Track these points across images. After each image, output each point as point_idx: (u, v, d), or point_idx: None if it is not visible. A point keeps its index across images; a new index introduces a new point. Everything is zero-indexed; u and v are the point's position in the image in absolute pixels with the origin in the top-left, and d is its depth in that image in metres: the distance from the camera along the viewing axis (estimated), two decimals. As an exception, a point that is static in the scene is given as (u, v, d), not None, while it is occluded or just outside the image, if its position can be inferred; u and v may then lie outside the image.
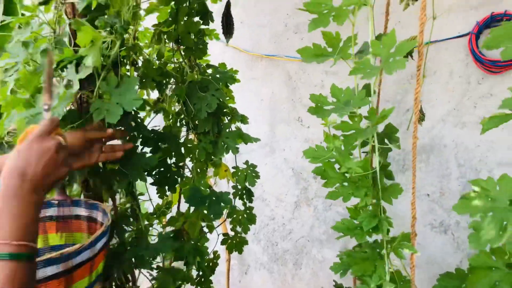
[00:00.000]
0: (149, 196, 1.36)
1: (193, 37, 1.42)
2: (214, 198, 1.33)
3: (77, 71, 1.03)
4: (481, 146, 1.66)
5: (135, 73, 1.36)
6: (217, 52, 2.27)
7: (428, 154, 1.78)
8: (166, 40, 1.41)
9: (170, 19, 1.36)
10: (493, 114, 0.82)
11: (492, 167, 1.64)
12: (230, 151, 1.37)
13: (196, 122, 1.38)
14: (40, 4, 1.17)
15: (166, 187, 1.30)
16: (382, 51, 0.93)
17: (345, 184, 0.98)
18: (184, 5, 1.36)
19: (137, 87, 1.30)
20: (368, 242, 1.05)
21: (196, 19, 1.41)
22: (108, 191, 1.21)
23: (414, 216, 1.01)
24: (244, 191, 1.51)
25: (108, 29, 1.04)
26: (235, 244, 1.57)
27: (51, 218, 1.18)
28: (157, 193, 1.35)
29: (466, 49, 1.64)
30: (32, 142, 0.76)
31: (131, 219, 1.27)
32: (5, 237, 0.65)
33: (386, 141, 1.07)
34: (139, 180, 1.10)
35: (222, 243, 1.57)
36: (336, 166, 1.02)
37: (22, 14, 1.59)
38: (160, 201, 1.52)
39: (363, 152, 1.03)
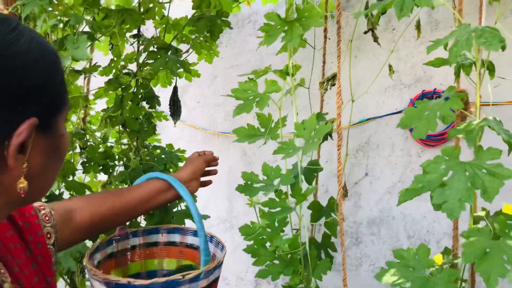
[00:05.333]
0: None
1: (140, 120, 1.46)
2: None
3: None
4: (427, 217, 1.70)
5: (80, 159, 1.38)
6: (175, 130, 2.33)
7: (379, 227, 1.80)
8: (114, 124, 1.46)
9: (116, 104, 1.41)
10: (408, 187, 0.86)
11: (440, 237, 1.67)
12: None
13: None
14: None
15: None
16: (304, 133, 0.99)
17: (275, 262, 0.99)
18: (130, 91, 1.42)
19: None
20: None
21: (143, 103, 1.47)
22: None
23: (346, 292, 1.02)
24: None
25: None
26: None
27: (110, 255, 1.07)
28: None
29: (404, 125, 1.74)
30: None
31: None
32: None
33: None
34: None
35: None
36: (268, 244, 1.03)
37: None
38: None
39: (294, 229, 1.05)
